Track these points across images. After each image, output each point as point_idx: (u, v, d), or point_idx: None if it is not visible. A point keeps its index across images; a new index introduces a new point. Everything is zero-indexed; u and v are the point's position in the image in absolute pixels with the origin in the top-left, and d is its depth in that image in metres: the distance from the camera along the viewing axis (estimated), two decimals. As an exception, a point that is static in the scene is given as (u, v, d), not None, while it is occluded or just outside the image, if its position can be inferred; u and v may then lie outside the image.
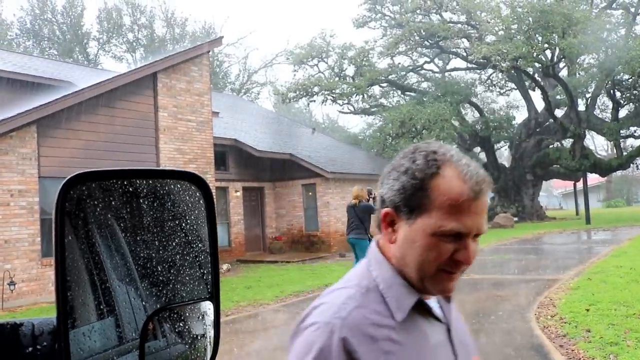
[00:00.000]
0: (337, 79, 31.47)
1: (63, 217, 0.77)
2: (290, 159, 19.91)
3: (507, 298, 9.62)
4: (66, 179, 0.77)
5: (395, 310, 1.08)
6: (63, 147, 12.66)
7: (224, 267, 15.75)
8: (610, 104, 31.25)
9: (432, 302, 1.17)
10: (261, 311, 9.74)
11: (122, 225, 0.87)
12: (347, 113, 36.41)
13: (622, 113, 30.56)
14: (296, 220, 20.58)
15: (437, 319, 1.15)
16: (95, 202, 0.84)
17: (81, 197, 0.82)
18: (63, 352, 0.72)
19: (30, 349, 0.75)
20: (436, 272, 1.08)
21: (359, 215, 10.44)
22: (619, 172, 46.91)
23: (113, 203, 0.86)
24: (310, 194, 20.23)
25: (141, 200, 0.88)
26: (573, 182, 37.27)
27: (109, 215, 0.86)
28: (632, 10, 30.58)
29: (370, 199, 10.81)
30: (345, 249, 17.36)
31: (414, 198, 1.07)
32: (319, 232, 19.90)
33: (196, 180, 0.91)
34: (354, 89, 29.81)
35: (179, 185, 0.91)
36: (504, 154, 54.21)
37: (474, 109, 34.67)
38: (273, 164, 20.46)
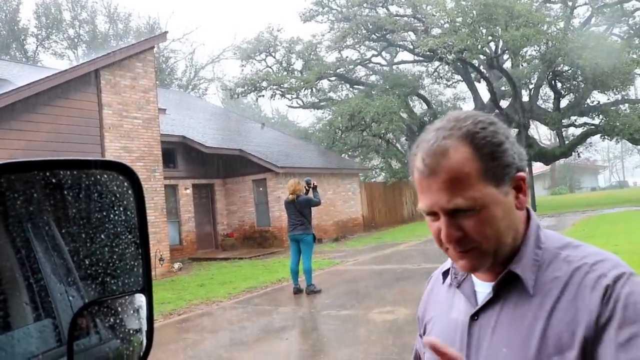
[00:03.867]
0: (285, 73, 31.31)
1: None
2: (240, 154, 19.73)
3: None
4: (-20, 171, 0.73)
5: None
6: (1, 149, 12.19)
7: (176, 266, 15.52)
8: (552, 95, 32.15)
9: (482, 283, 1.12)
10: (214, 309, 9.64)
11: (46, 218, 0.83)
12: (296, 107, 36.35)
13: (564, 103, 31.49)
14: (247, 216, 20.44)
15: (474, 298, 1.12)
16: (16, 195, 0.80)
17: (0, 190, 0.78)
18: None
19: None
20: (445, 249, 1.06)
21: (300, 210, 9.83)
22: (562, 161, 48.46)
23: (35, 195, 0.82)
24: (261, 189, 20.11)
25: (65, 192, 0.84)
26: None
27: (32, 209, 0.82)
28: (570, 4, 31.56)
29: (310, 189, 10.17)
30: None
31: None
32: (271, 228, 19.83)
33: (124, 170, 0.87)
34: (302, 83, 29.73)
35: (105, 176, 0.87)
36: (451, 145, 55.06)
37: (421, 101, 35.14)
38: (223, 160, 20.25)
